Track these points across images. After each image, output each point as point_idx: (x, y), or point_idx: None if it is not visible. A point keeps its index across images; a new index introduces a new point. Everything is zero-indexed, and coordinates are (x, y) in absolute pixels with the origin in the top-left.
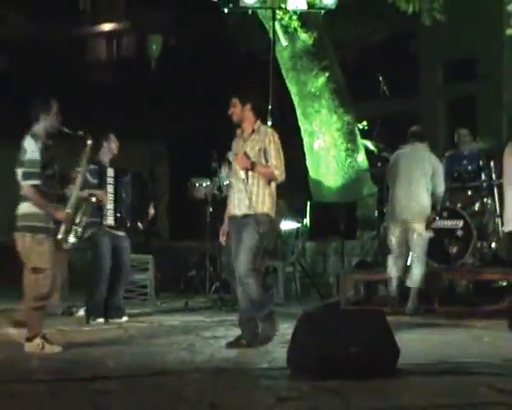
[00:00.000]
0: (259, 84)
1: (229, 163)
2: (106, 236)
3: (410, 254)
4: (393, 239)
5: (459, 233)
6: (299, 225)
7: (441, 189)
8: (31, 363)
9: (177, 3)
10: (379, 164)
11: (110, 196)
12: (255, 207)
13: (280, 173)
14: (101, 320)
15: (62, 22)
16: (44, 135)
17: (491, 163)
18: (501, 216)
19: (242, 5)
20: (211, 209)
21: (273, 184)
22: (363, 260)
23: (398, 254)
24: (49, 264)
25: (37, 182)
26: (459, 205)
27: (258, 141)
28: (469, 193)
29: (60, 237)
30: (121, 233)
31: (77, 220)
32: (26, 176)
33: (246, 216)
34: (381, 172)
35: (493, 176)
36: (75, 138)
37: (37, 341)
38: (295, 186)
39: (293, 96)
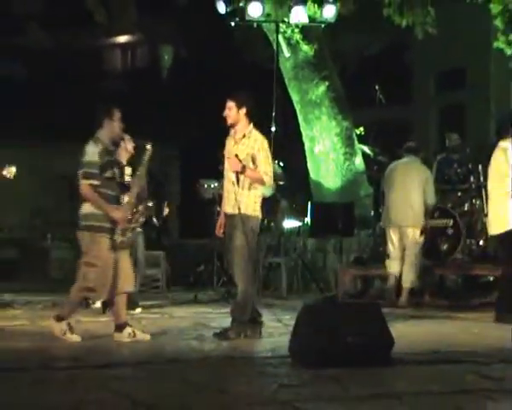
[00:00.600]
0: (264, 92)
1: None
2: None
3: (405, 255)
4: (391, 244)
5: (449, 231)
6: (300, 223)
7: (432, 199)
8: (52, 351)
9: (187, 16)
10: (375, 167)
11: None
12: (243, 208)
13: (269, 179)
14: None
15: (80, 34)
16: (107, 140)
17: (480, 167)
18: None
19: (248, 18)
20: (218, 209)
21: (259, 187)
22: (359, 256)
23: (396, 256)
24: (100, 262)
25: (94, 182)
26: (449, 205)
27: (248, 146)
28: (459, 194)
29: (116, 236)
30: (138, 229)
31: (133, 222)
32: (85, 176)
33: (234, 216)
34: (376, 175)
35: (481, 178)
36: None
37: (63, 326)
38: (297, 187)
39: (295, 104)
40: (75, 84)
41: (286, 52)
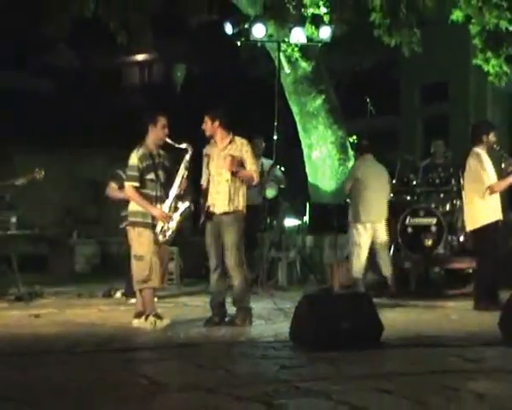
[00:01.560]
0: (267, 104)
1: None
2: None
3: (378, 248)
4: (361, 240)
5: (433, 228)
6: (299, 222)
7: (390, 195)
8: (77, 337)
9: (199, 37)
10: None
11: None
12: (235, 205)
13: (257, 176)
14: (135, 301)
15: (102, 53)
16: (151, 144)
17: (460, 171)
18: None
19: (252, 38)
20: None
21: (245, 186)
22: None
23: (364, 256)
24: (147, 254)
25: (135, 184)
26: (433, 205)
27: (235, 150)
28: (441, 196)
29: (156, 231)
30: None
31: (172, 220)
32: (128, 178)
33: (225, 214)
34: None
35: (461, 181)
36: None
37: (151, 319)
38: (297, 189)
39: (294, 115)
40: (98, 98)
41: (286, 68)
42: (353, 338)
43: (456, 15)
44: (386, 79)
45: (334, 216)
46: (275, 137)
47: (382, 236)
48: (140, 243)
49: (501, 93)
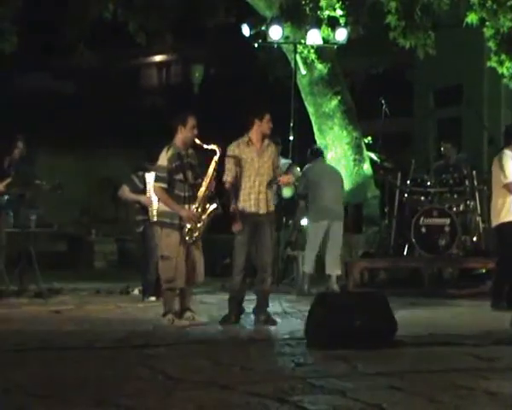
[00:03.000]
0: (283, 105)
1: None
2: (153, 230)
3: (329, 247)
4: (316, 239)
5: (446, 229)
6: None
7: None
8: (96, 333)
9: (216, 38)
10: (381, 172)
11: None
12: (272, 205)
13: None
14: (153, 298)
15: (122, 54)
16: (180, 145)
17: (474, 172)
18: (481, 215)
19: (269, 40)
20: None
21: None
22: (367, 251)
23: (315, 254)
24: (173, 254)
25: (163, 185)
26: (446, 206)
27: (272, 152)
28: (455, 196)
29: (185, 232)
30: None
31: (200, 221)
32: (156, 179)
33: (266, 214)
34: (382, 179)
35: (475, 182)
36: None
37: (169, 316)
38: None
39: (310, 116)
40: (118, 99)
41: (303, 70)
42: (367, 336)
43: (471, 18)
44: (401, 81)
45: (349, 216)
46: (291, 138)
47: (337, 235)
48: (167, 243)
49: None
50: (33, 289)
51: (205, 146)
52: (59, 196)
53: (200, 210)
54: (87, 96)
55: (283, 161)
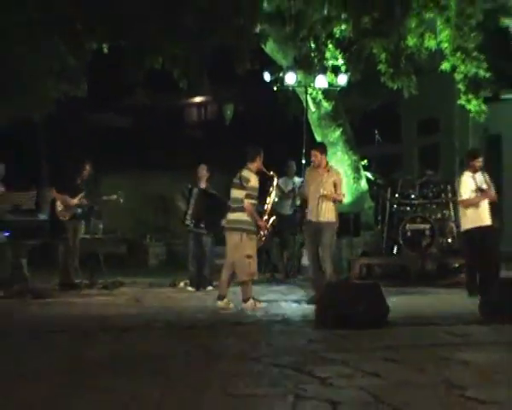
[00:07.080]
0: (296, 136)
1: (279, 187)
2: (191, 233)
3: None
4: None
5: (427, 232)
6: None
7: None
8: (151, 315)
9: (244, 82)
10: (375, 187)
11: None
12: (328, 215)
13: (343, 198)
14: (193, 289)
15: (169, 95)
16: (254, 170)
17: (448, 187)
18: (455, 222)
19: (286, 85)
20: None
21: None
22: (365, 250)
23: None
24: (253, 253)
25: (253, 202)
26: (427, 214)
27: (331, 176)
28: (434, 207)
29: (260, 236)
30: (202, 231)
31: (266, 230)
32: (248, 196)
33: (323, 222)
34: (376, 193)
35: (449, 195)
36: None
37: (251, 301)
38: None
39: None
40: (166, 131)
41: (312, 108)
42: (366, 318)
43: (445, 66)
44: (391, 114)
45: (350, 223)
46: (303, 162)
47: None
48: (251, 245)
49: (479, 126)
50: (101, 282)
51: (267, 173)
52: (120, 209)
53: (267, 221)
54: (142, 129)
55: (297, 180)
